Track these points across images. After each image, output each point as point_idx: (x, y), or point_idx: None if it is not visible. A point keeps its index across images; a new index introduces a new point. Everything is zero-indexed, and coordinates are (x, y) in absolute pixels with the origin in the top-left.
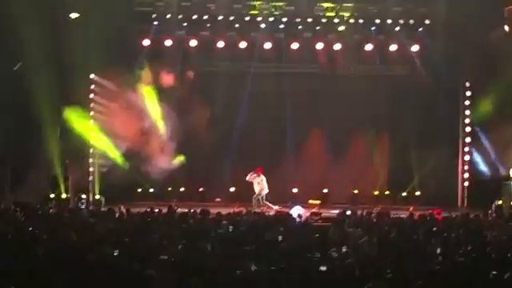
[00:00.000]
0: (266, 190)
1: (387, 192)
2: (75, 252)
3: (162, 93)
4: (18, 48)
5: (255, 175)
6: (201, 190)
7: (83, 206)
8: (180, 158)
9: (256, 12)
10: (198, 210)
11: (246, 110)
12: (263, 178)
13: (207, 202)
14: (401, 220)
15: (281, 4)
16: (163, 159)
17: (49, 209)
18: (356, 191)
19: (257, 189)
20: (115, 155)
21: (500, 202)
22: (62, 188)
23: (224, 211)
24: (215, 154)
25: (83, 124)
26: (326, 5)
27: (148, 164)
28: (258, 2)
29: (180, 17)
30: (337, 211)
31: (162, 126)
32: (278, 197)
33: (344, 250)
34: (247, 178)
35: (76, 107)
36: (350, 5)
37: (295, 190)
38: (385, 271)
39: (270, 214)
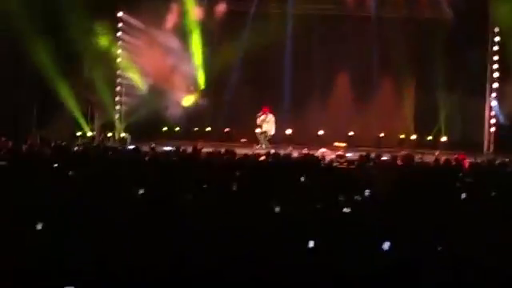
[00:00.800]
0: (272, 131)
1: (413, 136)
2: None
3: (191, 29)
4: None
5: (263, 116)
6: (226, 130)
7: (109, 144)
8: (192, 98)
9: None
10: (223, 150)
11: (273, 52)
12: (271, 117)
13: (233, 143)
14: (426, 164)
15: None
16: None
17: (76, 146)
18: (382, 134)
19: (265, 127)
20: (141, 93)
21: None
22: (89, 126)
23: (249, 152)
24: (242, 94)
25: (110, 62)
26: None
27: (171, 102)
28: None
29: None
30: (361, 153)
31: (188, 64)
32: (304, 138)
33: (367, 192)
34: (257, 122)
35: (103, 45)
36: None
37: (321, 132)
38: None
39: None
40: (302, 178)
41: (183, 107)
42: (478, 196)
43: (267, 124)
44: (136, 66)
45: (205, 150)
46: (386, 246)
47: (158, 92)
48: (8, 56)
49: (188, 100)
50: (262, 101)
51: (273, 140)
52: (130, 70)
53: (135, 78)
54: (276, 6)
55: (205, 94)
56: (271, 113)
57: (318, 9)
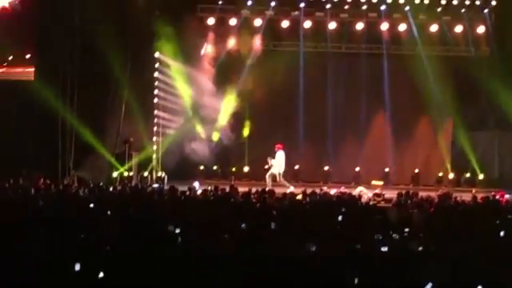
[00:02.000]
0: (282, 168)
1: (450, 174)
2: (137, 229)
3: (223, 70)
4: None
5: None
6: (266, 167)
7: (146, 183)
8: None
9: None
10: (261, 189)
11: (311, 90)
12: (282, 154)
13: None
14: (463, 202)
15: None
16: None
17: (113, 186)
18: (419, 173)
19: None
20: (178, 133)
21: None
22: (126, 166)
23: (287, 190)
24: (279, 132)
25: (148, 102)
26: None
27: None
28: None
29: None
30: (399, 192)
31: (221, 104)
32: (341, 176)
33: (406, 231)
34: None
35: (141, 85)
36: None
37: (358, 170)
38: (445, 253)
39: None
40: (340, 217)
41: (212, 142)
42: None
43: (275, 161)
44: (173, 106)
45: (241, 189)
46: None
47: (190, 130)
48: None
49: (216, 135)
50: (301, 139)
51: (309, 178)
52: (167, 110)
53: (172, 118)
54: (313, 45)
55: (234, 130)
56: (283, 150)
57: (355, 47)
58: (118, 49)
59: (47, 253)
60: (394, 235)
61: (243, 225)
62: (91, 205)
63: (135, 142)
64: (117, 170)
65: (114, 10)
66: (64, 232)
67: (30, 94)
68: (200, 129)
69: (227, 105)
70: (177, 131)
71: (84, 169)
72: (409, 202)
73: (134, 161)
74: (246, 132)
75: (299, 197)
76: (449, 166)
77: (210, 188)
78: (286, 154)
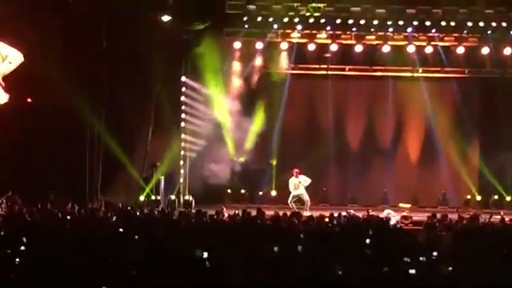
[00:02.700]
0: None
1: (478, 196)
2: (165, 253)
3: (251, 91)
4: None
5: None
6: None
7: (173, 207)
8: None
9: (347, 15)
10: (289, 213)
11: (335, 113)
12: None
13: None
14: (492, 224)
15: (369, 6)
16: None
17: (140, 211)
18: (446, 195)
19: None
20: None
21: None
22: (154, 190)
23: (314, 214)
24: (305, 157)
25: (175, 126)
26: (417, 8)
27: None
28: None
29: (271, 20)
30: (427, 215)
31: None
32: (368, 199)
33: (435, 254)
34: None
35: (169, 110)
36: (439, 10)
37: (385, 192)
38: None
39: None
40: (368, 240)
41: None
42: None
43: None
44: (200, 131)
45: (268, 212)
46: None
47: (212, 152)
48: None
49: (242, 157)
50: (327, 162)
51: (337, 200)
52: (195, 135)
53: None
54: (338, 68)
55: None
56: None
57: (382, 70)
58: (145, 72)
59: (75, 277)
60: (421, 258)
61: (275, 248)
62: (120, 229)
63: (163, 166)
64: (144, 193)
65: (141, 32)
66: (91, 256)
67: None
68: (224, 150)
69: (255, 126)
70: (198, 153)
71: (111, 193)
72: (438, 224)
73: (162, 185)
74: (273, 156)
75: (326, 219)
76: (476, 188)
77: (236, 212)
78: (316, 177)
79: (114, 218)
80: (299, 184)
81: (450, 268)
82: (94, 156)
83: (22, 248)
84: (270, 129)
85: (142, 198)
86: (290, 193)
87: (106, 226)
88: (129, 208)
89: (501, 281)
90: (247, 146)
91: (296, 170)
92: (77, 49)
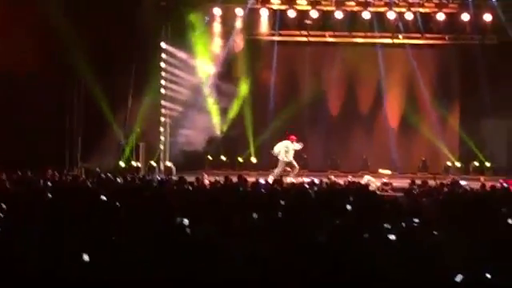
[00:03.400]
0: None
1: (458, 162)
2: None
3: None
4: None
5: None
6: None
7: (154, 175)
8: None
9: None
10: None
11: (315, 79)
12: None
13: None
14: (472, 190)
15: None
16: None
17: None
18: (426, 162)
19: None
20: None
21: None
22: (133, 156)
23: (295, 180)
24: (286, 124)
25: (154, 92)
26: None
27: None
28: None
29: None
30: (407, 181)
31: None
32: (349, 166)
33: (416, 221)
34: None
35: (148, 76)
36: None
37: (365, 160)
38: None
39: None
40: (348, 207)
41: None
42: None
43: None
44: (179, 96)
45: (249, 179)
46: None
47: (201, 122)
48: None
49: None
50: (307, 130)
51: (316, 167)
52: (174, 101)
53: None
54: (320, 34)
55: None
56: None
57: (362, 36)
58: (124, 38)
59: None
60: (403, 224)
61: (254, 214)
62: (101, 196)
63: (143, 133)
64: (124, 160)
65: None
66: (71, 224)
67: (36, 85)
68: (204, 117)
69: (236, 92)
70: (178, 120)
71: (92, 159)
72: (417, 191)
73: (142, 151)
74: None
75: (306, 186)
76: (457, 155)
77: (217, 178)
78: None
79: (95, 185)
80: (292, 150)
81: (432, 234)
82: (73, 122)
83: (1, 215)
84: (251, 95)
85: (122, 164)
86: (275, 157)
87: (87, 192)
88: (109, 175)
89: (481, 248)
90: (229, 112)
91: (293, 137)
92: (53, 16)
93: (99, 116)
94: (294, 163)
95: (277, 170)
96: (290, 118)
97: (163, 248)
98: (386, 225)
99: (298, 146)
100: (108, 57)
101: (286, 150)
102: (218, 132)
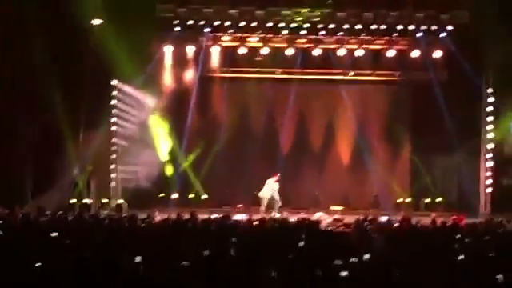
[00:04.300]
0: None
1: (409, 199)
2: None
3: (181, 97)
4: (40, 54)
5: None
6: (223, 195)
7: (105, 212)
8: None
9: (278, 18)
10: (220, 217)
11: (267, 115)
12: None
13: (228, 208)
14: (423, 226)
15: (304, 10)
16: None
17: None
18: (378, 198)
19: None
20: (139, 160)
21: None
22: (84, 193)
23: (245, 217)
24: (237, 161)
25: (106, 129)
26: (348, 11)
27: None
28: (280, 9)
29: (202, 23)
30: (359, 217)
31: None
32: (301, 202)
33: (366, 256)
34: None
35: (99, 113)
36: (371, 13)
37: (317, 196)
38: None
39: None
40: (301, 243)
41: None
42: (476, 257)
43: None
44: (130, 133)
45: (201, 216)
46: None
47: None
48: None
49: (169, 169)
50: (258, 166)
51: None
52: (125, 138)
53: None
54: (269, 71)
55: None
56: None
57: (313, 73)
58: (75, 77)
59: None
60: (353, 260)
61: (206, 252)
62: (51, 234)
63: (94, 170)
64: (75, 197)
65: (73, 35)
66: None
67: None
68: (154, 153)
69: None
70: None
71: (43, 197)
72: (368, 226)
73: (93, 188)
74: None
75: (256, 223)
76: (408, 191)
77: (169, 216)
78: (247, 180)
79: (46, 222)
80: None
81: (382, 270)
82: (24, 159)
83: None
84: (202, 131)
85: (73, 201)
86: (258, 197)
87: (37, 230)
88: (60, 212)
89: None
90: (178, 149)
91: (275, 175)
92: (5, 50)
93: (51, 153)
94: (278, 201)
95: (262, 207)
96: (242, 155)
97: (115, 285)
98: (337, 261)
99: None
100: (58, 94)
101: (272, 190)
102: (167, 168)
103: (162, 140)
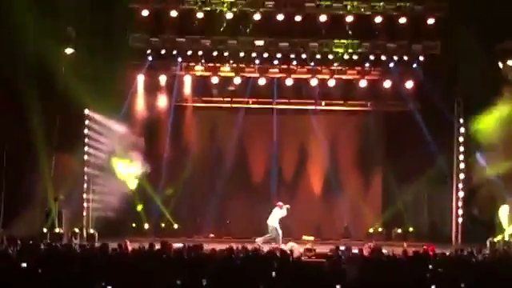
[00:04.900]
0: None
1: (381, 229)
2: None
3: (153, 126)
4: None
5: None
6: (194, 225)
7: (76, 241)
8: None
9: (250, 48)
10: (192, 246)
11: (238, 145)
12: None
13: (200, 238)
14: (394, 256)
15: (273, 39)
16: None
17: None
18: (349, 227)
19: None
20: (110, 190)
21: (496, 239)
22: (56, 223)
23: (217, 247)
24: (207, 190)
25: (78, 157)
26: (320, 41)
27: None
28: (253, 39)
29: (174, 53)
30: (331, 247)
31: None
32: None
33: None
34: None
35: (70, 140)
36: (344, 41)
37: (289, 226)
38: None
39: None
40: (273, 274)
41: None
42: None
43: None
44: (103, 162)
45: (174, 245)
46: None
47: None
48: None
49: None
50: (228, 196)
51: (241, 233)
52: (98, 167)
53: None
54: (241, 101)
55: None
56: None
57: (284, 103)
58: (46, 108)
59: None
60: None
61: (178, 281)
62: (22, 264)
63: (65, 199)
64: (47, 227)
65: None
66: None
67: None
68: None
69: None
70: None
71: (13, 226)
72: (342, 256)
73: (65, 217)
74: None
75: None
76: (379, 220)
77: (141, 245)
78: (219, 210)
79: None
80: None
81: None
82: None
83: None
84: (174, 161)
85: (44, 230)
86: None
87: (8, 260)
88: (30, 242)
89: None
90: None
91: (280, 203)
92: None
93: (22, 182)
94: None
95: (267, 236)
96: (213, 184)
97: None
98: None
99: (285, 212)
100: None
101: (278, 219)
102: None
103: (132, 169)
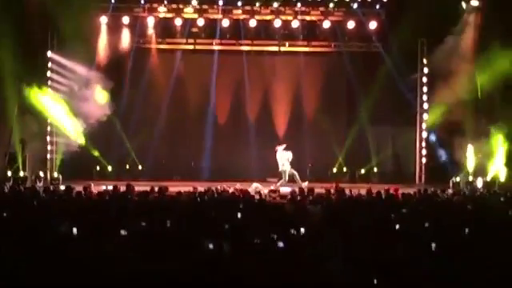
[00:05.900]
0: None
1: (345, 169)
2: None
3: (116, 68)
4: None
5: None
6: (159, 167)
7: (40, 184)
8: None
9: None
10: (157, 188)
11: (202, 87)
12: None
13: (166, 181)
14: (359, 197)
15: None
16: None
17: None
18: (314, 169)
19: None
20: (74, 133)
21: (458, 179)
22: (20, 166)
23: (183, 189)
24: (172, 132)
25: (41, 101)
26: None
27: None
28: None
29: None
30: (295, 189)
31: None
32: (236, 174)
33: (302, 229)
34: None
35: (34, 85)
36: None
37: (253, 167)
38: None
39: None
40: (239, 215)
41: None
42: (411, 227)
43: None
44: (67, 105)
45: (138, 188)
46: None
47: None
48: None
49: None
50: (194, 139)
51: (205, 176)
52: (61, 110)
53: (66, 117)
54: (205, 43)
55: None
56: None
57: (248, 44)
58: (10, 48)
59: None
60: (291, 231)
61: (142, 223)
62: None
63: (30, 142)
64: (11, 170)
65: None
66: None
67: None
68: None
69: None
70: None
71: None
72: (304, 198)
73: (29, 160)
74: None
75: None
76: (343, 161)
77: (105, 188)
78: (186, 152)
79: None
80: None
81: (319, 242)
82: None
83: None
84: (137, 102)
85: (9, 173)
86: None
87: None
88: None
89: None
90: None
91: (277, 148)
92: None
93: None
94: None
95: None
96: (177, 126)
97: (50, 257)
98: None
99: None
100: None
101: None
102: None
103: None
